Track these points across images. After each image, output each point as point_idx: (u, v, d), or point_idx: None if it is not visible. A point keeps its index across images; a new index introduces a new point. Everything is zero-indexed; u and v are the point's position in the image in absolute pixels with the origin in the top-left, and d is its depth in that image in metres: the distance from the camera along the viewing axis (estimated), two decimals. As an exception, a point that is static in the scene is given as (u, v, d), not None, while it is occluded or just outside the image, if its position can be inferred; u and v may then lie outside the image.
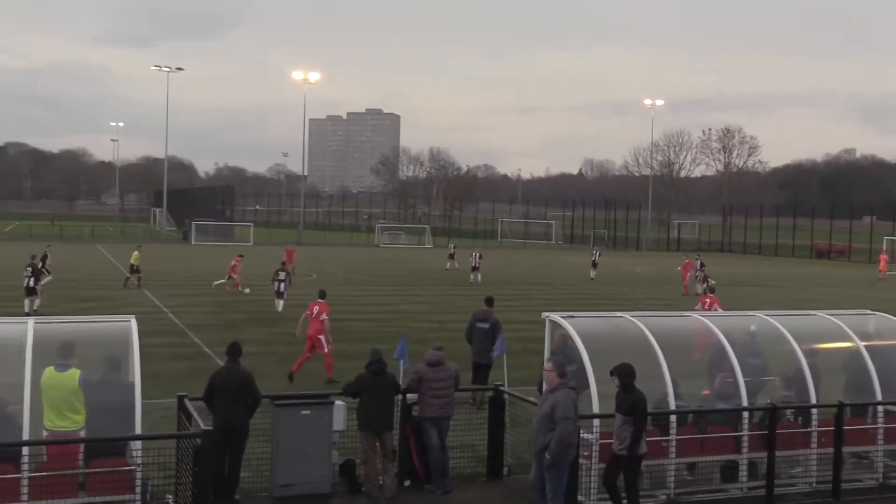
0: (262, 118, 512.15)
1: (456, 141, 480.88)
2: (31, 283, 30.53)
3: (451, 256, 59.60)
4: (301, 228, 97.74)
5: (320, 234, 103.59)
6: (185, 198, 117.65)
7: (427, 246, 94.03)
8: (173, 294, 38.26)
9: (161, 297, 36.55)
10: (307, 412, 12.53)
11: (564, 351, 13.56)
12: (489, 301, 19.22)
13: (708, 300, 24.43)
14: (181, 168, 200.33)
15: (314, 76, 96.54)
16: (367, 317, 32.58)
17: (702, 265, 46.17)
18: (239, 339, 13.79)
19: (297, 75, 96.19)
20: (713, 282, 32.01)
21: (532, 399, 13.86)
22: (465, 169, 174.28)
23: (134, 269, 41.03)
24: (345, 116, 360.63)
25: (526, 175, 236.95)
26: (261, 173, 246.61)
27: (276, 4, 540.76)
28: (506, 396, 13.79)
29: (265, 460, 12.68)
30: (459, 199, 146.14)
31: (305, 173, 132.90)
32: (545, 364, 11.86)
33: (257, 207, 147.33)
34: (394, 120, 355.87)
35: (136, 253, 41.76)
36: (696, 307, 24.84)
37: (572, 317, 13.58)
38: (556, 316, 13.60)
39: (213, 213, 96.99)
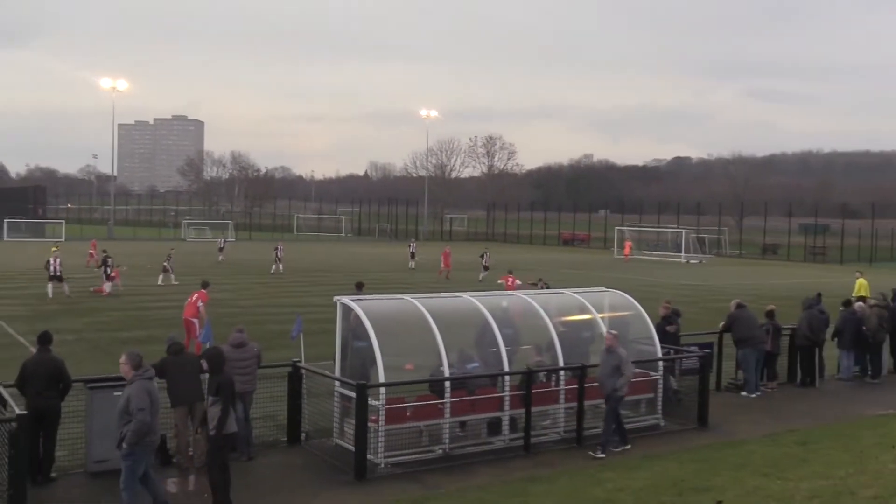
0: (73, 123, 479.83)
1: (255, 145, 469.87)
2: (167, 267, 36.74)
3: (413, 256, 54.02)
4: (112, 225, 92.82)
5: (130, 230, 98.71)
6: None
7: (230, 240, 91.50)
8: (-14, 288, 35.43)
9: (-27, 291, 33.77)
10: (119, 393, 11.96)
11: (356, 330, 13.60)
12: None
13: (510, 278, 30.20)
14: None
15: (122, 84, 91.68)
16: (176, 304, 31.34)
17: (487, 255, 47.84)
18: (53, 328, 13.02)
19: (106, 83, 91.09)
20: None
21: (327, 372, 13.86)
22: (263, 170, 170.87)
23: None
24: (152, 122, 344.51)
25: (318, 176, 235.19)
26: (72, 174, 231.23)
27: (84, 15, 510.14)
28: (303, 371, 13.69)
29: (80, 439, 12.03)
30: (259, 198, 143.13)
31: (115, 174, 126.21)
32: (121, 357, 10.26)
33: (69, 206, 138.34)
34: (198, 125, 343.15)
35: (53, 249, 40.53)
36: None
37: (361, 299, 13.63)
38: (346, 299, 13.61)
39: (25, 212, 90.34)
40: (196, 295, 20.71)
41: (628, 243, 72.84)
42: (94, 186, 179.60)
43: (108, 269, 34.56)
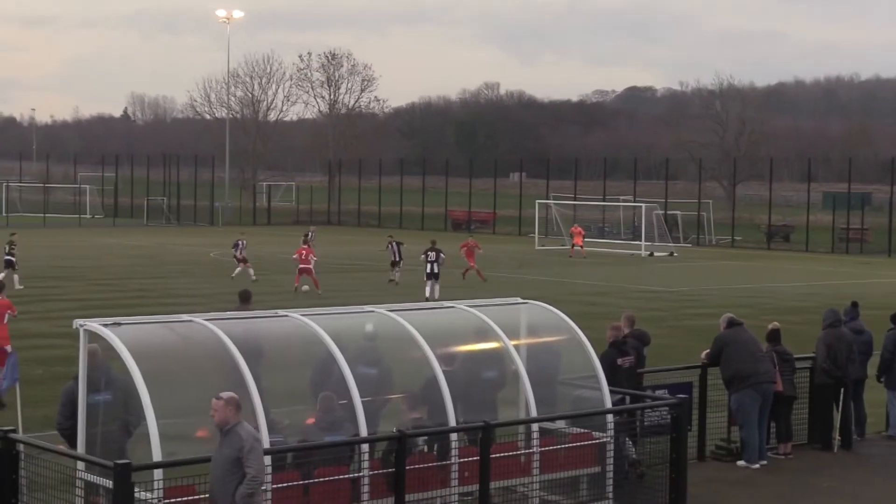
0: None
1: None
2: (434, 268, 42.87)
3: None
4: None
5: None
6: None
7: None
8: None
9: None
10: None
11: (98, 370, 13.31)
12: None
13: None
14: None
15: None
16: None
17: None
18: None
19: None
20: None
21: (61, 447, 13.52)
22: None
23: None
24: None
25: (44, 118, 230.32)
26: None
27: None
28: (20, 446, 13.29)
29: None
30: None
31: None
32: None
33: None
34: None
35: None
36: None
37: (119, 324, 13.36)
38: (94, 324, 13.32)
39: None
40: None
41: (579, 230, 71.73)
42: None
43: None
